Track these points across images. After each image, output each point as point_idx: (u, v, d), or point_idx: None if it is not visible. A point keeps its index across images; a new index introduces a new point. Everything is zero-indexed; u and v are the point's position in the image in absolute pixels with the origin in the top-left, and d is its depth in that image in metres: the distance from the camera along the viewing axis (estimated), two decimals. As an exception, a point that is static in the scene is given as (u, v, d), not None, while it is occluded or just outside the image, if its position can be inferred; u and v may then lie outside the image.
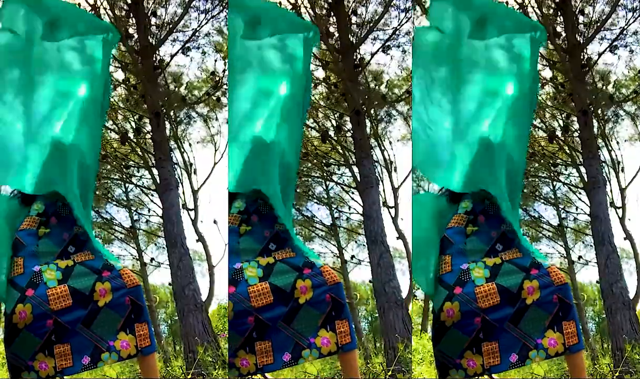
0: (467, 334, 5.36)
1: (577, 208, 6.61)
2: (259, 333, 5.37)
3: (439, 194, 5.54)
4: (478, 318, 5.35)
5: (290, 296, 5.42)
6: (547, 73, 6.55)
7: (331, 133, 6.73)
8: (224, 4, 6.64)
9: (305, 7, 6.67)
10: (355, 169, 6.70)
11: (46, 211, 5.48)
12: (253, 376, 5.85)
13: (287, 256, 5.49)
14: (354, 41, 6.69)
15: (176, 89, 6.70)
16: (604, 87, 6.57)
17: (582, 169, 6.58)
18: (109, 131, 6.64)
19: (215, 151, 6.71)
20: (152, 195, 6.69)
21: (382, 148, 6.70)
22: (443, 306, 5.36)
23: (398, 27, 6.65)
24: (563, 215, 6.61)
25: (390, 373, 6.39)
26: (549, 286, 5.35)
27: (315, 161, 6.71)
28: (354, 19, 6.69)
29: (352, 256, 6.64)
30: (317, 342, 5.43)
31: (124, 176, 6.68)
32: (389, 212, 6.72)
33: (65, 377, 5.97)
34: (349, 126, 6.72)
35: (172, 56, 6.68)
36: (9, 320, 5.26)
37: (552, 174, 6.61)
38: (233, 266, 5.43)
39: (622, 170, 6.58)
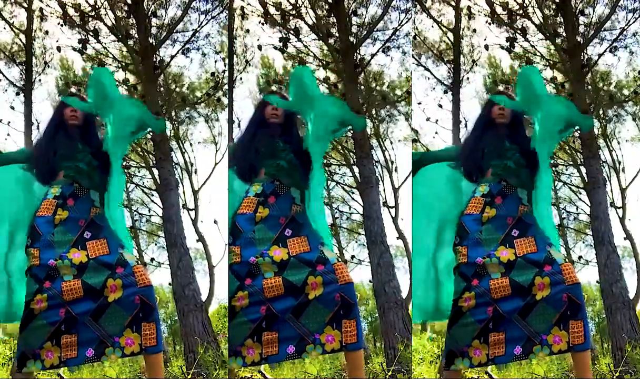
0: (478, 322, 5.42)
1: (577, 208, 6.62)
2: (268, 323, 5.43)
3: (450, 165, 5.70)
4: (490, 307, 5.41)
5: (301, 290, 5.46)
6: (547, 73, 6.56)
7: (332, 133, 6.72)
8: (224, 5, 6.64)
9: (306, 7, 6.67)
10: (356, 169, 6.70)
11: (63, 193, 5.54)
12: (253, 377, 5.89)
13: (302, 250, 5.52)
14: (354, 42, 6.69)
15: (176, 89, 6.70)
16: (604, 88, 6.59)
17: (583, 169, 6.59)
18: (109, 131, 6.63)
19: (217, 151, 6.71)
20: (153, 195, 6.68)
21: (383, 148, 6.71)
22: (463, 294, 5.44)
23: (398, 28, 6.66)
24: (563, 215, 6.62)
25: (390, 373, 6.39)
26: (560, 284, 5.38)
27: (315, 160, 6.70)
28: (354, 19, 6.70)
29: (352, 256, 6.64)
30: (321, 339, 5.45)
31: (125, 176, 6.67)
32: (389, 212, 6.72)
33: (62, 374, 6.01)
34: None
35: (172, 57, 6.67)
36: (27, 305, 5.43)
37: (552, 174, 6.62)
38: (248, 259, 5.50)
39: (623, 170, 6.60)
